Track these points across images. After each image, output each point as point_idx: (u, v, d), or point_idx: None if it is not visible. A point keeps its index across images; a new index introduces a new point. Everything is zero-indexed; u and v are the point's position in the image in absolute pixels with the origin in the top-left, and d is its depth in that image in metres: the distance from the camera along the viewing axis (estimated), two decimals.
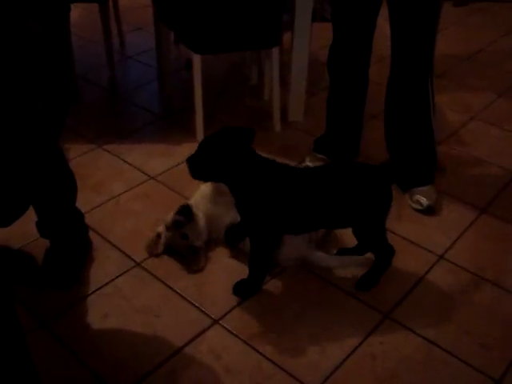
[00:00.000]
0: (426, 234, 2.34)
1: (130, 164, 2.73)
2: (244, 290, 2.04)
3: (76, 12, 1.77)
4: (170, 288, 2.07)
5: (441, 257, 2.24)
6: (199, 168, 1.91)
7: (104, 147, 2.85)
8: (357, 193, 1.90)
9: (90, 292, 2.06)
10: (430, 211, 2.45)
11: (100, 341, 1.89)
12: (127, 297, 2.04)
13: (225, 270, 2.15)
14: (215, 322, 1.95)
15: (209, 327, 1.93)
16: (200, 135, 2.89)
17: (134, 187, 2.58)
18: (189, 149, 2.81)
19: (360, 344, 1.89)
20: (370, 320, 1.97)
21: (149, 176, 2.65)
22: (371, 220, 1.97)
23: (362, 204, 1.91)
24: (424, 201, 2.45)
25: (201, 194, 2.27)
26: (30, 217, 2.10)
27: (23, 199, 2.03)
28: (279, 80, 2.92)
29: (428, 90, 2.37)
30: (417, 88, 2.37)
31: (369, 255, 2.10)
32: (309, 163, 2.66)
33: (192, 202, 2.24)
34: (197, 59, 2.75)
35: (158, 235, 2.20)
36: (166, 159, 2.77)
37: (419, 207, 2.45)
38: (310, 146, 2.77)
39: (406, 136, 2.49)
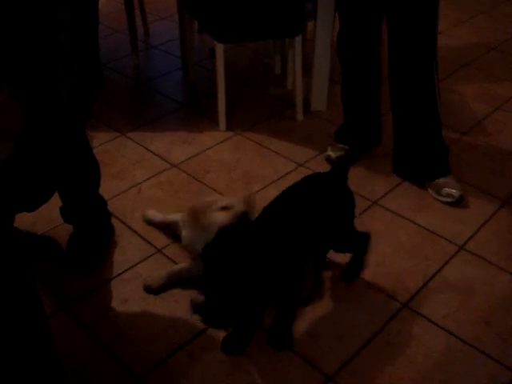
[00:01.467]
0: (446, 224, 2.33)
1: (153, 152, 2.76)
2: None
3: (102, 1, 1.78)
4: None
5: (461, 247, 2.22)
6: None
7: (127, 135, 2.88)
8: (320, 207, 1.81)
9: (112, 277, 2.09)
10: (460, 201, 2.43)
11: (120, 324, 1.92)
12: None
13: None
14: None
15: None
16: (223, 124, 2.91)
17: (156, 175, 2.60)
18: (211, 137, 2.86)
19: (378, 332, 1.89)
20: (389, 309, 1.97)
21: (171, 164, 2.67)
22: (343, 225, 1.94)
23: (329, 215, 1.83)
24: (454, 192, 2.42)
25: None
26: (56, 203, 2.14)
27: (49, 185, 2.07)
28: (302, 69, 2.91)
29: (433, 77, 2.33)
30: (421, 76, 2.33)
31: None
32: (330, 153, 2.66)
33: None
34: (220, 48, 2.76)
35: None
36: (189, 147, 2.79)
37: (451, 200, 2.42)
38: (332, 136, 2.77)
39: (413, 126, 2.46)
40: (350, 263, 2.05)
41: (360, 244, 2.02)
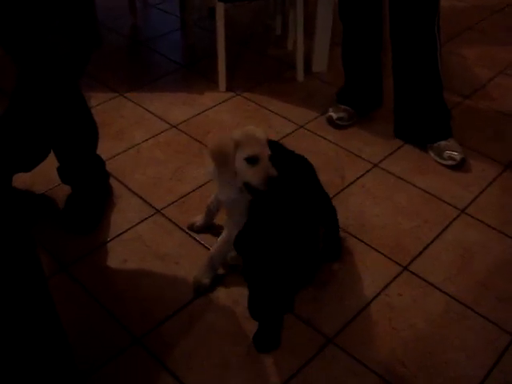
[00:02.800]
0: (447, 188, 2.32)
1: (152, 112, 2.73)
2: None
3: None
4: (190, 235, 2.08)
5: (462, 211, 2.21)
6: None
7: (126, 95, 2.84)
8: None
9: (111, 238, 2.08)
10: (462, 165, 2.41)
11: (120, 285, 1.92)
12: (147, 243, 2.05)
13: None
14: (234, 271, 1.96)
15: (227, 274, 1.94)
16: (222, 85, 2.87)
17: (155, 135, 2.57)
18: (211, 98, 2.83)
19: (378, 295, 1.89)
20: (389, 272, 1.97)
21: (170, 125, 2.64)
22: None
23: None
24: (456, 155, 2.40)
25: None
26: (54, 163, 2.12)
27: (44, 144, 2.05)
28: (303, 30, 2.86)
29: (435, 38, 2.29)
30: (423, 36, 2.28)
31: None
32: (332, 113, 2.63)
33: None
34: (220, 8, 2.70)
35: None
36: (188, 108, 2.75)
37: (452, 163, 2.40)
38: (333, 97, 2.73)
39: (415, 87, 2.42)
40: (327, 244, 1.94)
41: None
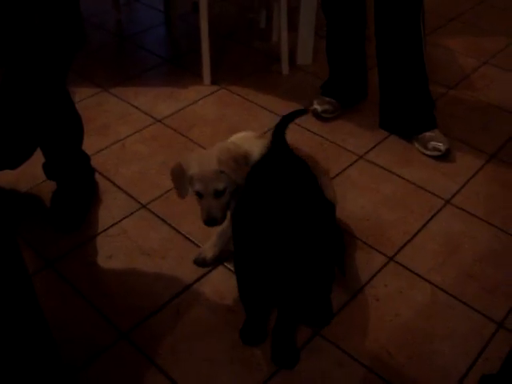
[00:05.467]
0: (433, 178, 2.33)
1: (137, 107, 2.71)
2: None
3: None
4: (176, 230, 2.08)
5: (447, 202, 2.22)
6: None
7: (110, 90, 2.82)
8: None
9: (96, 233, 2.07)
10: (447, 155, 2.42)
11: (106, 281, 1.91)
12: (133, 238, 2.05)
13: None
14: (220, 263, 1.96)
15: (213, 268, 1.94)
16: (207, 78, 2.86)
17: (140, 130, 2.56)
18: (196, 92, 2.82)
19: (364, 286, 1.90)
20: (375, 263, 1.98)
21: (155, 119, 2.63)
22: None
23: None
24: (441, 146, 2.40)
25: None
26: (39, 159, 2.11)
27: (30, 141, 2.03)
28: (287, 23, 2.86)
29: (420, 29, 2.29)
30: (407, 27, 2.28)
31: None
32: (317, 106, 2.62)
33: None
34: (204, 2, 2.69)
35: None
36: (173, 102, 2.74)
37: (437, 153, 2.41)
38: (317, 89, 2.73)
39: (400, 78, 2.42)
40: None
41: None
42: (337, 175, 2.32)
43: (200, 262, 1.95)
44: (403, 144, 2.50)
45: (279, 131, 1.95)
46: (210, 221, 1.75)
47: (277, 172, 1.74)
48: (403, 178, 2.31)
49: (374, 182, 2.31)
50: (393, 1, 2.24)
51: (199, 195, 1.75)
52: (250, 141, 1.90)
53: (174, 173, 1.80)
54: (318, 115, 2.62)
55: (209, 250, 1.94)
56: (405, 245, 2.04)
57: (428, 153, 2.42)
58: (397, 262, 1.98)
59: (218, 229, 1.91)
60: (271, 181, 1.70)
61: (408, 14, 2.26)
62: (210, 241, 1.95)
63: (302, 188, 1.69)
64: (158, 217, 2.13)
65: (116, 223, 2.11)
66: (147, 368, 1.66)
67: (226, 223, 1.86)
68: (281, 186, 1.67)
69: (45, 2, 1.66)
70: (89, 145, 2.28)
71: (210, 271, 1.93)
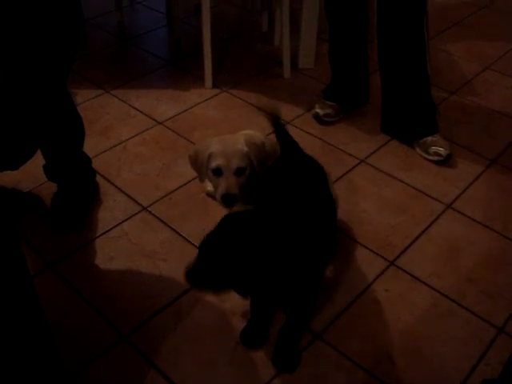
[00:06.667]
0: (434, 183, 2.33)
1: (138, 109, 2.71)
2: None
3: None
4: (176, 232, 2.08)
5: (448, 206, 2.22)
6: None
7: (112, 92, 2.83)
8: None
9: (97, 235, 2.07)
10: (448, 160, 2.42)
11: (106, 282, 1.91)
12: (133, 240, 2.05)
13: None
14: None
15: None
16: (208, 81, 2.87)
17: (141, 132, 2.56)
18: (197, 95, 2.82)
19: (365, 290, 1.90)
20: (376, 267, 1.98)
21: (156, 121, 2.64)
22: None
23: None
24: (443, 151, 2.40)
25: None
26: (41, 160, 2.11)
27: (31, 142, 2.03)
28: (290, 26, 2.86)
29: (423, 34, 2.29)
30: (411, 32, 2.28)
31: None
32: (318, 110, 2.62)
33: None
34: (206, 4, 2.69)
35: None
36: (174, 105, 2.75)
37: (439, 158, 2.41)
38: (319, 93, 2.73)
39: (402, 83, 2.42)
40: None
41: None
42: (338, 179, 2.32)
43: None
44: (405, 148, 2.50)
45: (284, 134, 1.95)
46: (229, 196, 1.67)
47: (295, 172, 1.78)
48: (404, 183, 2.32)
49: (375, 186, 2.31)
50: (396, 5, 2.25)
51: (218, 172, 1.70)
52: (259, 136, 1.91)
53: (192, 155, 1.78)
54: (319, 119, 2.62)
55: None
56: (406, 249, 2.04)
57: (429, 157, 2.42)
58: (397, 267, 1.98)
59: None
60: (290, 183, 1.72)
61: (412, 19, 2.26)
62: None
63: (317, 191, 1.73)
64: (159, 219, 2.13)
65: (117, 225, 2.10)
66: (148, 370, 1.66)
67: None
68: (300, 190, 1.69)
69: (45, 3, 1.66)
70: (90, 147, 2.28)
71: None
